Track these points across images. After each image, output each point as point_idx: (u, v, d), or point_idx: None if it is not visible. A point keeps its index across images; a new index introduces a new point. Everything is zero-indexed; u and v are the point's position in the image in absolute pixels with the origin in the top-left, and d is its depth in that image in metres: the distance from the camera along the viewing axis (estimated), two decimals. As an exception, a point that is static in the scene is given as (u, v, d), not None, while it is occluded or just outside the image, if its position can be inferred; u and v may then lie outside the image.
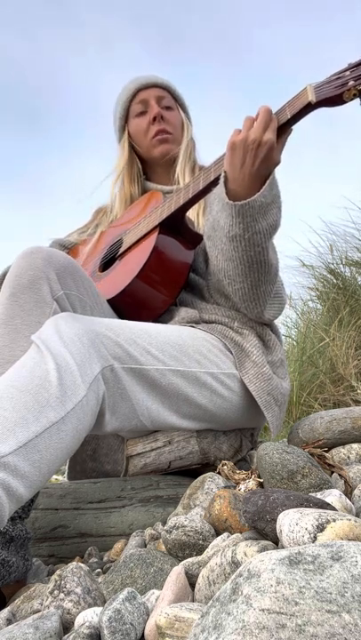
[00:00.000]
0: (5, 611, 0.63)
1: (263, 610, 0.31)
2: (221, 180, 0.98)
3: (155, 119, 1.33)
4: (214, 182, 1.07)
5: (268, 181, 0.94)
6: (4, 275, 1.14)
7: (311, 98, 0.92)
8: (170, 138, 1.34)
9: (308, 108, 0.94)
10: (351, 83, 0.90)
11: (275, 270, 1.02)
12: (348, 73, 0.93)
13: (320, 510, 0.46)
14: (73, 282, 0.94)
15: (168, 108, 1.37)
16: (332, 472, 0.75)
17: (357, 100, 0.91)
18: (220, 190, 0.98)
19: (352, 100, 0.91)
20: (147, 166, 1.42)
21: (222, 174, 0.98)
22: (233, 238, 0.95)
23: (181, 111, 1.41)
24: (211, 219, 1.02)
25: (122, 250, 1.22)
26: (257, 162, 0.93)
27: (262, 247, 0.96)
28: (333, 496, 0.57)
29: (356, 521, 0.44)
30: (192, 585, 0.54)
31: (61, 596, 0.57)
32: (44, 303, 0.88)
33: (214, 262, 1.04)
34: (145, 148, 1.37)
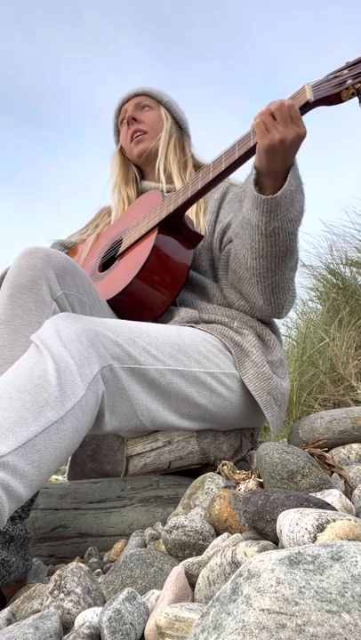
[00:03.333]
0: (5, 611, 0.63)
1: (263, 610, 0.31)
2: (253, 178, 0.97)
3: (128, 124, 1.39)
4: (213, 182, 1.07)
5: (291, 170, 0.95)
6: (4, 275, 1.14)
7: (309, 97, 0.92)
8: (144, 137, 1.38)
9: (307, 107, 0.94)
10: (349, 81, 0.90)
11: (297, 254, 1.05)
12: (346, 72, 0.92)
13: (320, 510, 0.46)
14: (72, 282, 0.94)
15: (145, 107, 1.41)
16: (332, 472, 0.75)
17: (355, 98, 0.91)
18: (250, 189, 0.97)
19: (350, 98, 0.91)
20: (139, 169, 1.46)
21: (253, 173, 0.98)
22: (271, 233, 0.96)
23: (163, 108, 1.42)
24: (240, 217, 1.03)
25: (121, 250, 1.22)
26: (292, 155, 0.95)
27: (294, 234, 0.98)
28: (333, 496, 0.57)
29: (356, 521, 0.44)
30: (192, 585, 0.54)
31: (61, 596, 0.57)
32: (43, 303, 0.88)
33: (241, 261, 1.04)
34: (128, 152, 1.43)
